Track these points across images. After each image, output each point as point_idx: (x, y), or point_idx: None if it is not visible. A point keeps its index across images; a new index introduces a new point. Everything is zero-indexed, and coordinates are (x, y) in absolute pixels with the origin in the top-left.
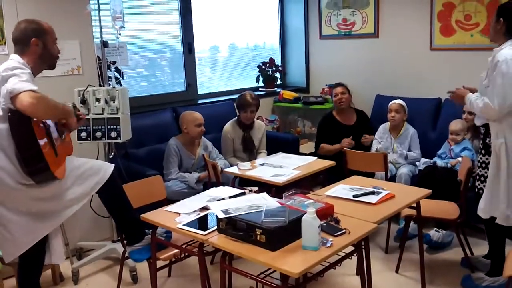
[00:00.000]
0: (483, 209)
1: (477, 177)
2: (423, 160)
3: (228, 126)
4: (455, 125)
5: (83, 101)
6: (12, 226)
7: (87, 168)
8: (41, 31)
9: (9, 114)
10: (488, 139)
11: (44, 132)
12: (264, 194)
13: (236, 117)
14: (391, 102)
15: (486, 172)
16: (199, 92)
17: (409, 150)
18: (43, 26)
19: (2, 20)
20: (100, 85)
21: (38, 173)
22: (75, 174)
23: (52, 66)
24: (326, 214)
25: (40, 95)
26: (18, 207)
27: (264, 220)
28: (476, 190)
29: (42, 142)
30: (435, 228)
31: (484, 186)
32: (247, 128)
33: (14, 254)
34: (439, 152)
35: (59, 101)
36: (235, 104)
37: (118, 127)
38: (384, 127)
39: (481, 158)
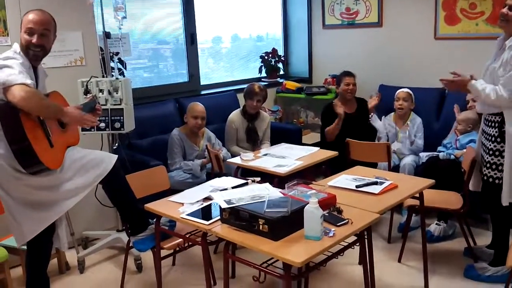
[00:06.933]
0: (504, 197)
1: (487, 165)
2: (426, 153)
3: (233, 115)
4: (466, 115)
5: (86, 92)
6: (17, 214)
7: (89, 160)
8: (21, 21)
9: None
10: (505, 127)
11: (36, 123)
12: (267, 185)
13: (242, 107)
14: (398, 91)
15: (499, 160)
16: (202, 83)
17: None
18: (24, 15)
19: (5, 12)
20: (103, 76)
21: (29, 165)
22: (77, 165)
23: (29, 55)
24: (328, 204)
25: (34, 90)
26: (21, 195)
27: (266, 210)
28: (486, 178)
29: (32, 134)
30: (436, 222)
31: (494, 174)
32: (252, 118)
33: (21, 241)
34: (445, 141)
35: (63, 91)
36: (243, 93)
37: (121, 117)
38: (388, 118)
39: (495, 146)
